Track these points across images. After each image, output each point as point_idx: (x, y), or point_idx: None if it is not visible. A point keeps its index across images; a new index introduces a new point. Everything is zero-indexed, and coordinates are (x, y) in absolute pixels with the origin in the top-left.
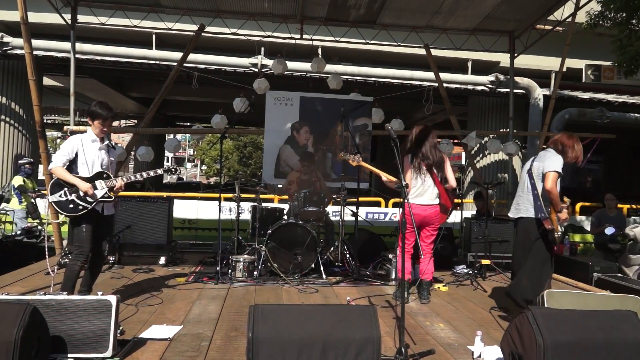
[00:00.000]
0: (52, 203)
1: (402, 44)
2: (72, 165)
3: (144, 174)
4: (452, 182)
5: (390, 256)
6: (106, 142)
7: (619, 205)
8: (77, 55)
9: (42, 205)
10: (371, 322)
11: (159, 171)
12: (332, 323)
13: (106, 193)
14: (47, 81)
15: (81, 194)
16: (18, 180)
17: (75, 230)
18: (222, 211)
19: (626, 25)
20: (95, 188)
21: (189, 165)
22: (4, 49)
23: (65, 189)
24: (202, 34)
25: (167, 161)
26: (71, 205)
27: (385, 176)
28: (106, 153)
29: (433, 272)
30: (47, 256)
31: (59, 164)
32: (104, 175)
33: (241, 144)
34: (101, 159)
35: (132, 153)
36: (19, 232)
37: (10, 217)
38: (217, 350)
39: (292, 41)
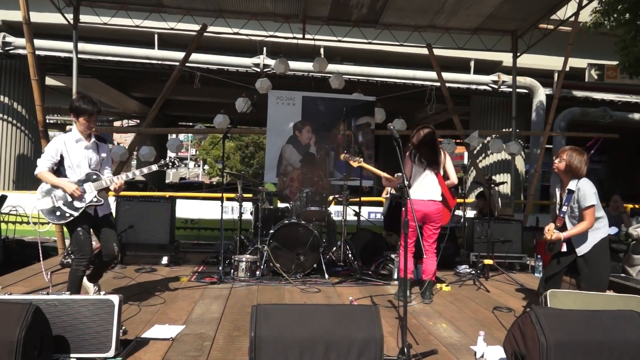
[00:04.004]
0: (40, 210)
1: (405, 44)
2: (59, 169)
3: (137, 172)
4: (453, 178)
5: (393, 256)
6: (93, 139)
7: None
8: (79, 55)
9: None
10: (374, 322)
11: (154, 167)
12: (334, 323)
13: (95, 197)
14: (49, 81)
15: (69, 199)
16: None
17: (72, 235)
18: (225, 211)
19: (631, 25)
20: (83, 192)
21: (191, 165)
22: (7, 48)
23: (53, 194)
24: (205, 34)
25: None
26: (58, 213)
27: (384, 176)
28: (94, 151)
29: (435, 272)
30: (41, 259)
31: (44, 169)
32: (94, 177)
33: (243, 144)
34: (89, 159)
35: (135, 153)
36: None
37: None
38: (219, 350)
39: (295, 41)
